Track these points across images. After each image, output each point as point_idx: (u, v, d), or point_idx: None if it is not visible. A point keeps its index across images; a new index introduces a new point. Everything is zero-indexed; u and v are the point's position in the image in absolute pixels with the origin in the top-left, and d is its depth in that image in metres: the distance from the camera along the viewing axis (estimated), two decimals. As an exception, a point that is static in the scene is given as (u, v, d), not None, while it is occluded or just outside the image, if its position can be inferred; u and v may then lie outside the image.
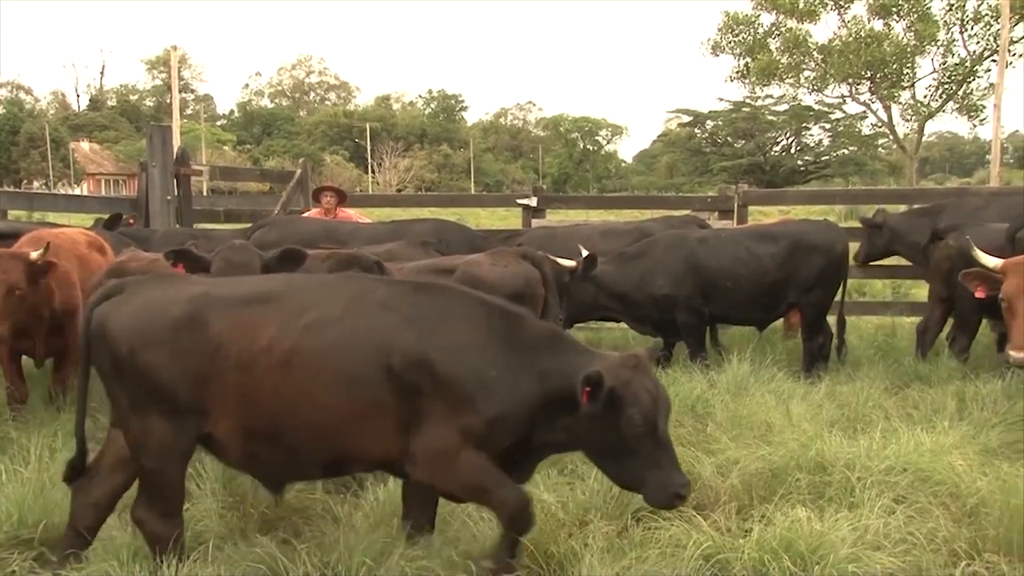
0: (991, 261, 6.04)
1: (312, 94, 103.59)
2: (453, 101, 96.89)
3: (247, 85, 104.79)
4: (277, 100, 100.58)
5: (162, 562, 3.87)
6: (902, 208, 15.57)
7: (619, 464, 3.92)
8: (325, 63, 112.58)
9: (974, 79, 21.45)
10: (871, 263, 10.19)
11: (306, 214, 10.97)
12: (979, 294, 6.12)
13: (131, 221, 10.32)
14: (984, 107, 21.59)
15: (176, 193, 10.66)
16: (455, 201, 20.68)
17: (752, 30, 23.31)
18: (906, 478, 4.86)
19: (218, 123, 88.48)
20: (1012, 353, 5.65)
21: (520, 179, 78.34)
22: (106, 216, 10.27)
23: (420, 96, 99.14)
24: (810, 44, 22.46)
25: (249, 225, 9.67)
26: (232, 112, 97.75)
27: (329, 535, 4.28)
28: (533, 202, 11.31)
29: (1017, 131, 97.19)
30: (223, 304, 3.89)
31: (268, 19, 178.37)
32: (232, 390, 3.80)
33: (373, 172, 71.69)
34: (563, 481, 4.95)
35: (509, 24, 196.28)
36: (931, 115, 22.05)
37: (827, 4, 21.97)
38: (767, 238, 8.38)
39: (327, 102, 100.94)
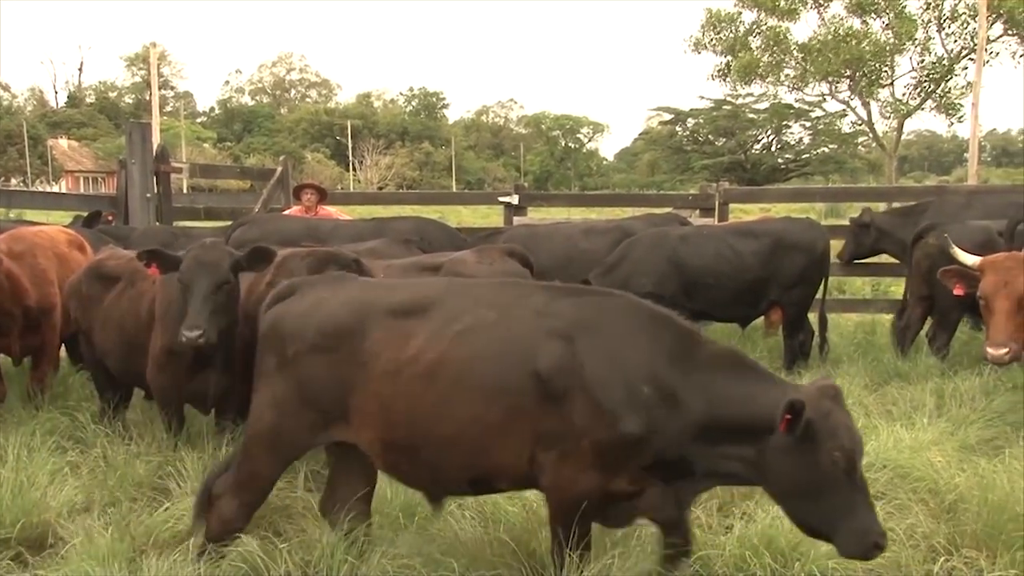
0: (969, 259, 6.08)
1: (293, 91, 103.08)
2: (434, 99, 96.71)
3: (227, 82, 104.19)
4: (258, 97, 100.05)
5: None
6: (882, 207, 15.65)
7: (809, 506, 3.50)
8: (306, 60, 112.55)
9: (952, 78, 21.60)
10: (856, 262, 10.29)
11: (287, 212, 10.92)
12: (957, 292, 6.16)
13: (110, 218, 10.25)
14: (962, 105, 21.77)
15: (156, 191, 10.60)
16: (437, 199, 20.67)
17: (734, 28, 23.36)
18: (885, 474, 4.90)
19: (198, 120, 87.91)
20: (989, 350, 5.69)
21: (502, 177, 78.28)
22: (85, 214, 10.21)
23: (401, 94, 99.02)
24: (790, 42, 22.53)
25: (229, 223, 9.62)
26: (212, 109, 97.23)
27: (311, 533, 4.27)
28: (515, 200, 11.31)
29: (995, 129, 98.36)
30: (380, 312, 3.83)
31: (249, 16, 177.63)
32: (374, 400, 3.74)
33: (354, 170, 71.39)
34: (545, 479, 4.94)
35: (490, 22, 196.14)
36: (910, 113, 22.18)
37: (807, 2, 22.04)
38: (749, 236, 8.42)
39: (308, 99, 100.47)
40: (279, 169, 12.32)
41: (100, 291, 6.08)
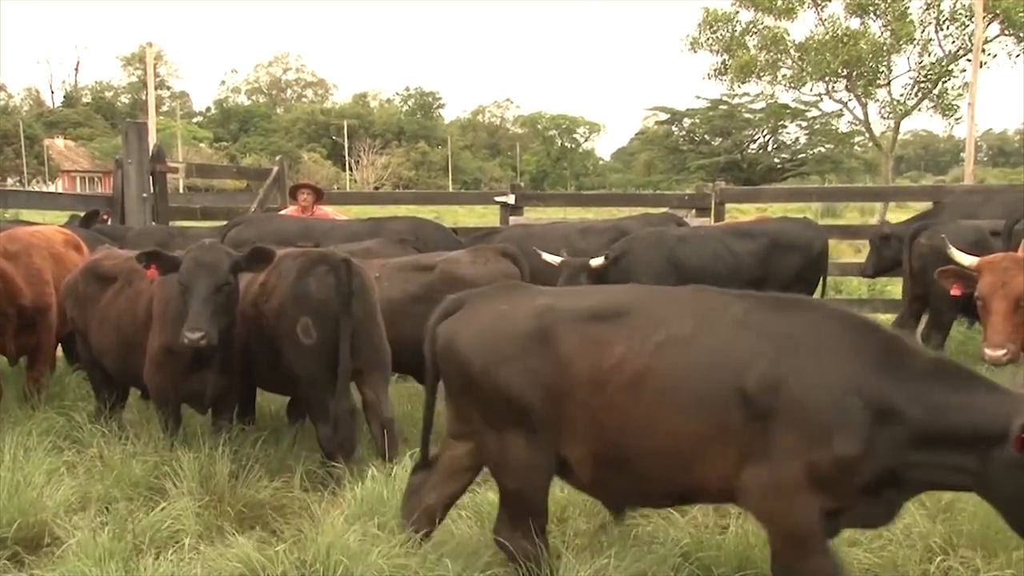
0: (967, 259, 6.07)
1: (289, 91, 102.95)
2: (431, 99, 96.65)
3: (223, 82, 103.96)
4: (254, 97, 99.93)
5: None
6: (878, 207, 15.59)
7: None
8: (302, 60, 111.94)
9: (949, 78, 21.63)
10: (850, 262, 10.29)
11: (283, 212, 10.92)
12: (954, 292, 6.15)
13: (105, 217, 10.24)
14: (959, 106, 21.78)
15: (152, 190, 10.59)
16: (433, 199, 20.65)
17: (730, 27, 23.36)
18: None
19: (194, 120, 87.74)
20: (987, 351, 5.68)
21: (498, 177, 78.21)
22: (82, 213, 10.20)
23: (397, 93, 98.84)
24: (787, 42, 22.54)
25: (225, 223, 9.62)
26: (208, 109, 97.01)
27: (307, 533, 4.26)
28: (511, 200, 11.31)
29: (991, 129, 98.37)
30: (570, 318, 3.71)
31: (245, 16, 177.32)
32: (582, 411, 3.62)
33: (350, 170, 71.31)
34: (542, 478, 4.94)
35: (486, 21, 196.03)
36: (907, 113, 22.19)
37: (804, 2, 22.04)
38: (746, 236, 8.45)
39: (304, 99, 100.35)
40: (275, 169, 12.31)
41: (96, 291, 6.07)
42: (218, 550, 4.07)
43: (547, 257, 7.96)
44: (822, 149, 55.93)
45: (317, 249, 5.94)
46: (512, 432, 3.70)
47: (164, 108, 77.87)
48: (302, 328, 5.35)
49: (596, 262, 7.83)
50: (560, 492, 4.69)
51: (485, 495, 4.71)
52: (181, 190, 22.40)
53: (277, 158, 13.47)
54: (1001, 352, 5.60)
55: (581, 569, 3.83)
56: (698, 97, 60.56)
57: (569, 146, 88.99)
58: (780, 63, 23.13)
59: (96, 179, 67.20)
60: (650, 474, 3.63)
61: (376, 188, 62.28)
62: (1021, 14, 19.80)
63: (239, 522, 4.60)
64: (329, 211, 10.93)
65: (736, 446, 3.46)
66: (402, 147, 78.68)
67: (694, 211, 11.16)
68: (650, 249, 8.16)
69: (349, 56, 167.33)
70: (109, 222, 10.09)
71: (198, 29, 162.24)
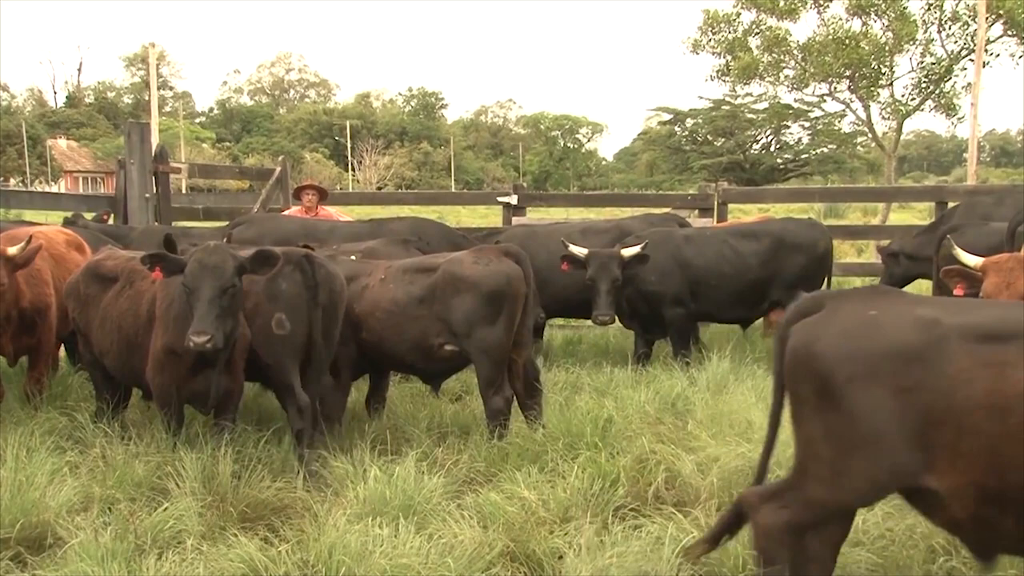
0: (972, 259, 6.06)
1: (292, 91, 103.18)
2: (433, 99, 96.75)
3: (226, 82, 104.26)
4: (256, 97, 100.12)
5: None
6: (881, 207, 15.49)
7: None
8: (305, 60, 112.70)
9: (951, 78, 21.60)
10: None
11: (286, 212, 10.92)
12: (958, 292, 6.14)
13: (104, 216, 10.27)
14: (961, 106, 21.77)
15: (155, 191, 10.61)
16: (436, 199, 20.65)
17: (732, 28, 23.33)
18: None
19: (197, 120, 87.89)
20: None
21: (500, 177, 78.36)
22: (86, 214, 10.24)
23: (400, 94, 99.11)
24: (790, 43, 22.51)
25: (228, 223, 9.63)
26: (211, 109, 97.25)
27: (309, 534, 4.27)
28: (514, 200, 11.32)
29: (994, 129, 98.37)
30: (961, 335, 3.30)
31: (247, 16, 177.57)
32: (971, 438, 3.22)
33: (353, 170, 71.41)
34: (544, 479, 4.95)
35: (489, 22, 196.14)
36: (909, 114, 22.14)
37: (807, 2, 22.00)
38: (751, 236, 8.48)
39: (307, 99, 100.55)
40: (278, 169, 12.32)
41: (98, 291, 6.07)
42: (220, 550, 4.07)
43: (574, 249, 8.08)
44: (825, 149, 55.88)
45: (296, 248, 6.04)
46: (862, 451, 3.35)
47: (167, 108, 78.06)
48: (276, 322, 5.64)
49: (629, 252, 7.91)
50: (563, 493, 4.71)
51: (488, 495, 4.72)
52: (184, 190, 22.45)
53: (280, 158, 13.47)
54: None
55: (583, 569, 3.83)
56: (701, 97, 60.77)
57: (572, 146, 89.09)
58: (783, 64, 23.07)
59: (99, 179, 67.30)
60: None
61: (379, 188, 62.39)
62: (1023, 15, 19.78)
63: (242, 522, 4.59)
64: (333, 212, 10.93)
65: None
66: (405, 147, 78.82)
67: (697, 211, 11.17)
68: (658, 248, 8.19)
69: (352, 56, 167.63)
70: (110, 221, 10.12)
71: (201, 29, 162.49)
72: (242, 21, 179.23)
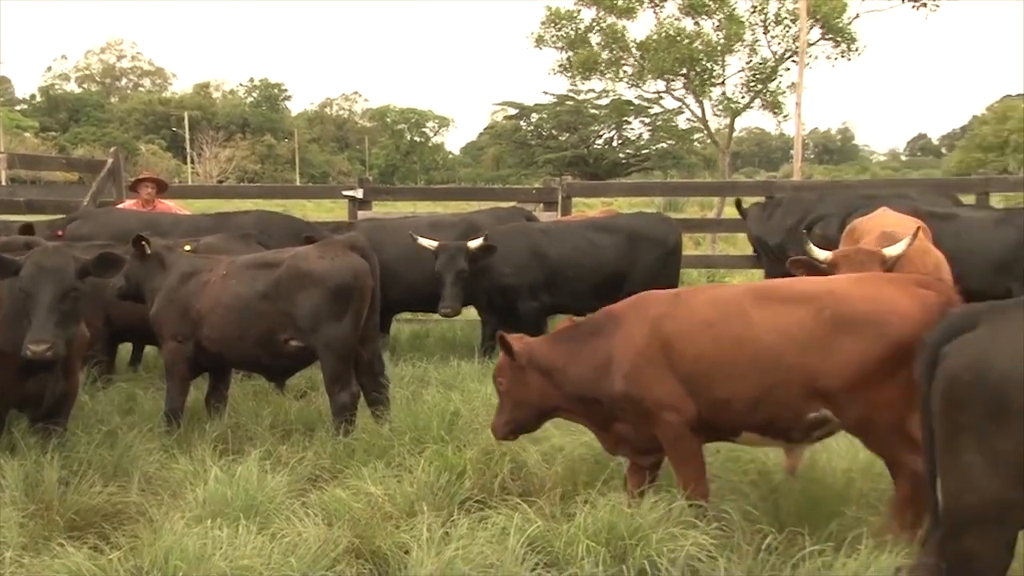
0: (821, 254, 6.20)
1: (124, 80, 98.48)
2: (276, 90, 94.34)
3: (51, 68, 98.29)
4: (85, 85, 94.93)
5: None
6: (715, 201, 16.06)
7: None
8: (138, 47, 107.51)
9: (777, 78, 22.69)
10: (690, 254, 10.72)
11: (122, 205, 10.43)
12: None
13: None
14: (786, 105, 22.89)
15: (-30, 183, 9.93)
16: (279, 192, 20.19)
17: (574, 25, 23.80)
18: (719, 458, 5.10)
19: (17, 108, 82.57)
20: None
21: (346, 170, 77.34)
22: None
23: (241, 84, 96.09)
24: (628, 40, 23.13)
25: (55, 217, 9.13)
26: (33, 97, 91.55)
27: (143, 539, 4.10)
28: (359, 194, 11.21)
29: (816, 128, 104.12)
30: None
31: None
32: None
33: (192, 162, 68.89)
34: (390, 474, 4.93)
35: (333, 12, 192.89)
36: (740, 112, 23.10)
37: (643, 2, 22.66)
38: (606, 230, 8.76)
39: (141, 88, 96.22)
40: (110, 161, 11.72)
41: None
42: (44, 562, 3.87)
43: (423, 242, 8.22)
44: (664, 145, 57.66)
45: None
46: (1019, 482, 3.12)
47: (-17, 95, 73.03)
48: None
49: (475, 244, 8.06)
50: (409, 487, 4.70)
51: (333, 492, 4.67)
52: (3, 182, 21.07)
53: (112, 149, 12.83)
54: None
55: (429, 563, 3.84)
56: (545, 92, 61.44)
57: (418, 140, 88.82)
58: (622, 60, 23.66)
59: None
60: None
61: (220, 182, 60.34)
62: (838, 20, 21.01)
63: (69, 531, 4.36)
64: (172, 205, 10.52)
65: None
66: (247, 140, 76.58)
67: (542, 205, 11.35)
68: (513, 241, 8.29)
69: (189, 45, 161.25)
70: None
71: (21, 11, 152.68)
72: (69, 3, 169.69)
